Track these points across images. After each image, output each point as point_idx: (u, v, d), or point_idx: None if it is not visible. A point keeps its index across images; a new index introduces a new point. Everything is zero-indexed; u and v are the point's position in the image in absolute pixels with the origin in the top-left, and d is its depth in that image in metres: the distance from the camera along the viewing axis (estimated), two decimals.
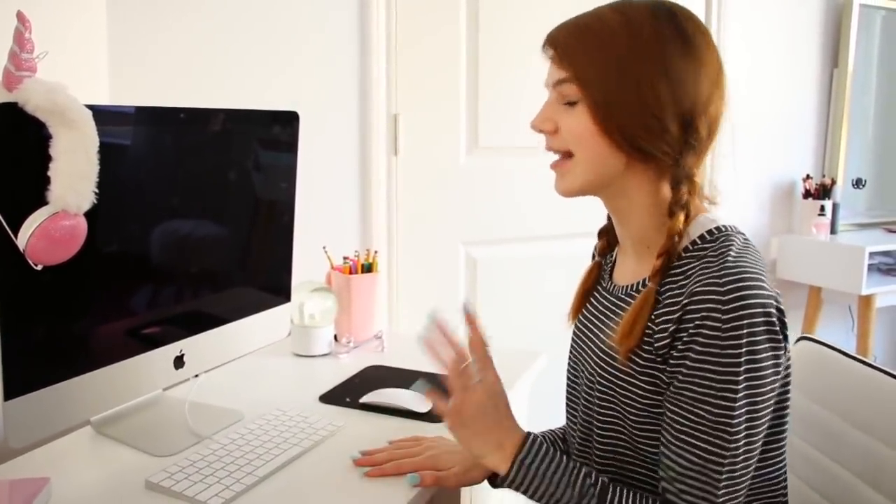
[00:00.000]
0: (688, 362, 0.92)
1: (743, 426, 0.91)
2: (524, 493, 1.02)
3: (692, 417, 0.92)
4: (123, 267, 1.22)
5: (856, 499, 1.19)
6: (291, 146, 1.54)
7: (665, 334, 0.95)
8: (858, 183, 3.42)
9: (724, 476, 0.91)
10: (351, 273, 1.82)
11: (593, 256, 1.26)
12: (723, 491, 0.92)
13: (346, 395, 1.48)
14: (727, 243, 0.96)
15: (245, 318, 1.48)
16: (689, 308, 0.92)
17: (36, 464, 1.20)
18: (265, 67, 1.94)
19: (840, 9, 3.25)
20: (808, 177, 3.22)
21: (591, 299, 1.17)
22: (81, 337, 1.16)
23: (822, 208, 3.16)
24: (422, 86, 2.23)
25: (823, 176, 3.27)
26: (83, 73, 1.60)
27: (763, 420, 0.93)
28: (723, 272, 0.92)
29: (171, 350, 1.31)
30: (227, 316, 1.44)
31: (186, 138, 1.32)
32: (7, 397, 1.04)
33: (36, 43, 0.97)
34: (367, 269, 1.84)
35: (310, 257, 1.79)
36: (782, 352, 0.93)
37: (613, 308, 1.09)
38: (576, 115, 0.99)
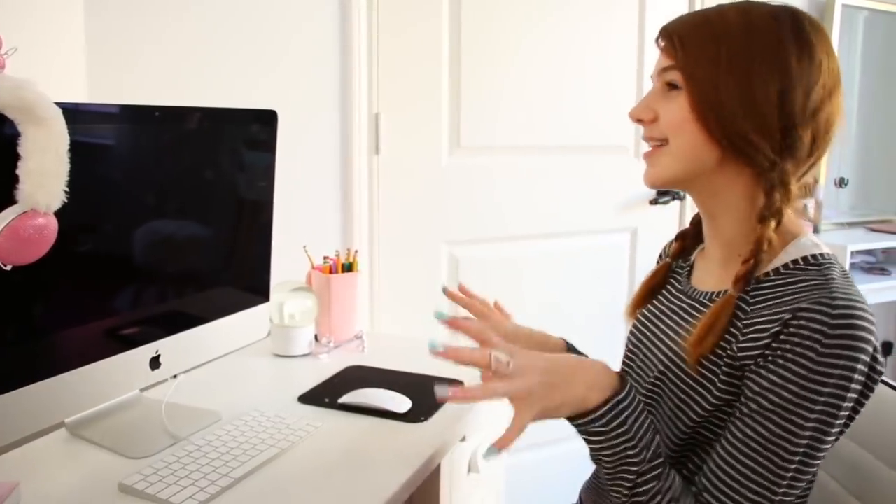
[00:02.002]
0: (772, 376, 0.89)
1: (800, 453, 0.88)
2: (605, 434, 0.93)
3: (755, 427, 0.90)
4: (98, 267, 1.21)
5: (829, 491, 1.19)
6: (270, 145, 1.53)
7: (755, 344, 0.91)
8: (841, 182, 3.44)
9: (762, 496, 0.89)
10: (331, 272, 1.81)
11: (660, 257, 1.28)
12: None
13: (325, 395, 1.47)
14: (832, 270, 0.94)
15: (223, 318, 1.47)
16: (791, 324, 0.89)
17: (6, 467, 1.19)
18: (245, 66, 1.93)
19: (822, 9, 3.26)
20: None
21: (661, 298, 1.16)
22: (54, 338, 1.15)
23: (806, 207, 3.16)
24: (403, 85, 2.22)
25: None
26: (60, 71, 1.59)
27: (820, 455, 0.90)
28: (835, 297, 0.88)
29: (147, 351, 1.30)
30: (205, 316, 1.43)
31: (163, 137, 1.30)
32: None
33: (7, 39, 0.96)
34: (348, 268, 1.83)
35: (290, 257, 1.78)
36: (866, 399, 0.91)
37: (690, 311, 1.07)
38: (676, 102, 0.99)
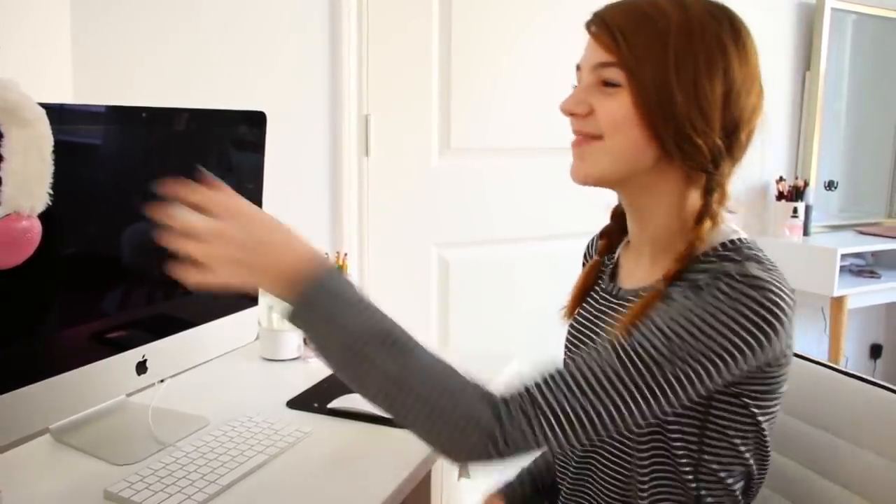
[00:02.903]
0: (662, 304, 0.91)
1: (651, 378, 0.86)
2: (320, 322, 0.89)
3: (617, 340, 0.89)
4: (84, 269, 1.19)
5: (825, 495, 1.19)
6: (259, 147, 1.51)
7: None
8: (831, 185, 3.44)
9: (592, 382, 0.87)
10: None
11: (587, 256, 1.25)
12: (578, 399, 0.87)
13: (314, 400, 1.46)
14: (752, 253, 0.95)
15: (211, 322, 1.45)
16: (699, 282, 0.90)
17: None
18: (234, 67, 1.91)
19: (812, 12, 3.27)
20: (781, 179, 3.23)
21: (590, 300, 1.14)
22: (38, 342, 1.13)
23: (795, 210, 3.17)
24: (393, 86, 2.21)
25: (796, 178, 3.29)
26: (46, 71, 1.57)
27: (686, 384, 0.87)
28: (747, 264, 0.90)
29: (133, 355, 1.28)
30: (192, 319, 1.41)
31: (151, 138, 1.28)
32: None
33: None
34: None
35: None
36: (765, 339, 0.88)
37: (618, 310, 1.06)
38: (615, 99, 0.95)
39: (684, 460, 0.97)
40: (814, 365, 1.25)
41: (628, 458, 1.02)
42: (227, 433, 1.29)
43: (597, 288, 1.14)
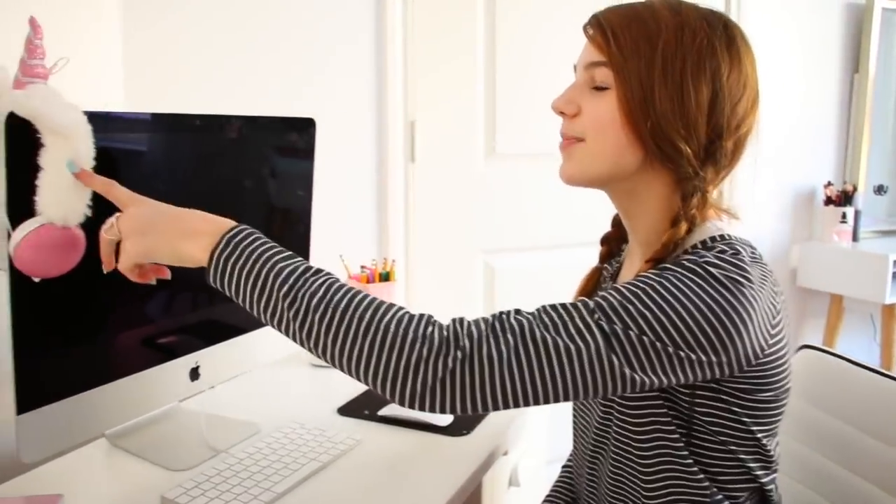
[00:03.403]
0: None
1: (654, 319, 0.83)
2: (235, 277, 0.87)
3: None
4: (123, 286, 1.19)
5: None
6: (308, 153, 1.51)
7: None
8: (880, 189, 3.37)
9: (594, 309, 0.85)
10: (368, 282, 1.79)
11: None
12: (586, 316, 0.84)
13: (364, 407, 1.45)
14: (733, 246, 0.91)
15: (261, 328, 1.45)
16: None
17: (49, 478, 1.18)
18: (282, 74, 1.92)
19: (861, 12, 3.20)
20: (829, 183, 3.17)
21: None
22: (96, 349, 1.14)
23: (844, 215, 3.11)
24: (438, 92, 2.21)
25: (845, 182, 3.22)
26: (97, 80, 1.58)
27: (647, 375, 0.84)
28: (719, 251, 0.89)
29: (187, 361, 1.29)
30: (243, 326, 1.41)
31: (202, 145, 1.29)
32: (19, 411, 1.01)
33: (50, 50, 0.95)
34: (385, 278, 1.81)
35: (326, 266, 1.75)
36: (717, 337, 0.84)
37: None
38: (603, 101, 0.94)
39: (689, 460, 0.96)
40: (869, 372, 1.22)
41: (636, 469, 1.00)
42: (279, 440, 1.29)
43: (599, 290, 1.13)
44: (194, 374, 1.30)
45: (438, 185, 2.23)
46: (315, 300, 0.83)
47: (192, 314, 1.32)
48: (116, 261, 0.94)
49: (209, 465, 1.21)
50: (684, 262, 0.88)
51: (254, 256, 0.86)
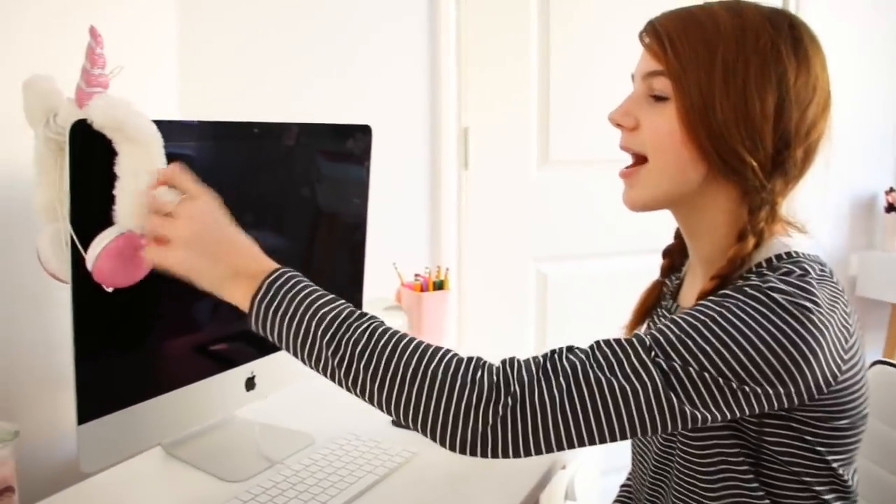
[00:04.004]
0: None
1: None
2: (276, 323, 0.86)
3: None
4: (183, 293, 1.19)
5: None
6: (364, 160, 1.50)
7: None
8: None
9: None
10: (422, 290, 1.77)
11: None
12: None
13: None
14: (801, 265, 0.86)
15: None
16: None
17: (105, 487, 1.18)
18: (335, 81, 1.91)
19: None
20: (891, 190, 3.07)
21: (654, 319, 1.10)
22: (154, 359, 1.14)
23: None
24: (492, 98, 2.19)
25: None
26: (153, 88, 1.59)
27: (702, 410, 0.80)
28: (784, 273, 0.84)
29: (243, 371, 1.28)
30: None
31: (260, 153, 1.28)
32: (81, 421, 1.01)
33: (108, 58, 0.94)
34: (439, 286, 1.79)
35: (379, 273, 1.75)
36: (784, 369, 0.79)
37: None
38: (662, 114, 0.90)
39: (760, 493, 0.90)
40: None
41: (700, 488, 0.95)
42: (335, 451, 1.27)
43: (660, 309, 1.10)
44: (250, 383, 1.30)
45: (491, 191, 2.21)
46: (360, 347, 0.82)
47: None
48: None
49: (264, 476, 1.20)
50: (746, 288, 0.83)
51: (295, 302, 0.85)
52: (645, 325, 1.11)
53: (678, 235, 1.11)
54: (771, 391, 0.80)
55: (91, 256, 0.92)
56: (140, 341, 1.11)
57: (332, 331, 0.83)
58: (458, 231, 2.17)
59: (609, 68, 2.28)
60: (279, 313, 0.85)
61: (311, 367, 0.86)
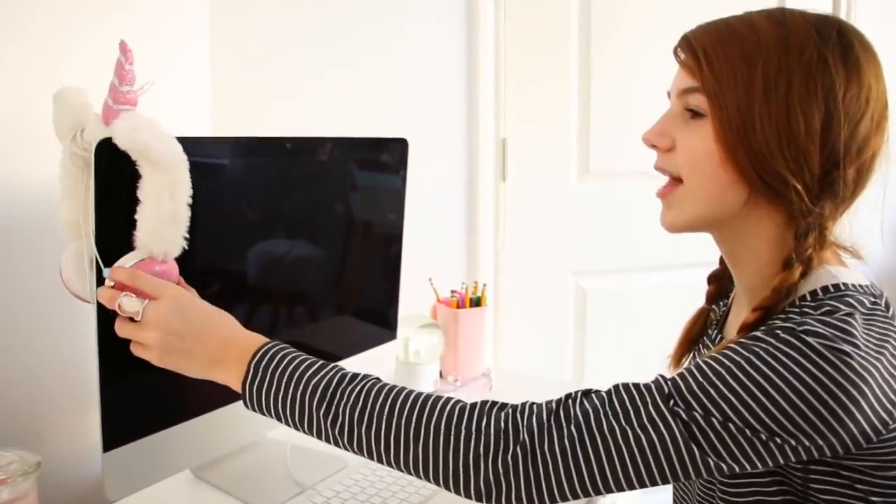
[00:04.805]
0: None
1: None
2: (271, 403, 0.85)
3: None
4: (223, 307, 1.16)
5: None
6: (400, 174, 1.46)
7: None
8: None
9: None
10: (458, 307, 1.72)
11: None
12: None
13: None
14: (846, 301, 0.78)
15: (348, 358, 1.40)
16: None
17: None
18: (370, 92, 1.87)
19: None
20: None
21: (700, 348, 1.03)
22: (181, 384, 1.09)
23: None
24: (531, 109, 2.14)
25: None
26: (185, 104, 1.56)
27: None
28: (824, 311, 0.77)
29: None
30: (331, 352, 1.36)
31: (293, 169, 1.25)
32: (106, 448, 0.98)
33: (138, 73, 0.91)
34: (476, 303, 1.74)
35: (414, 289, 1.71)
36: (823, 421, 0.72)
37: None
38: (698, 133, 0.84)
39: None
40: None
41: None
42: (367, 477, 1.23)
43: (704, 338, 1.03)
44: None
45: (530, 204, 2.16)
46: (357, 412, 0.81)
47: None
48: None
49: (295, 503, 1.16)
50: (778, 331, 0.76)
51: (285, 379, 0.84)
52: (691, 356, 1.05)
53: (724, 260, 1.04)
54: (807, 443, 0.73)
55: (110, 281, 0.89)
56: None
57: (326, 401, 0.82)
58: (496, 245, 2.13)
59: (651, 78, 2.22)
60: (271, 394, 0.85)
61: (315, 438, 0.85)
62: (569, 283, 2.24)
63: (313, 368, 0.85)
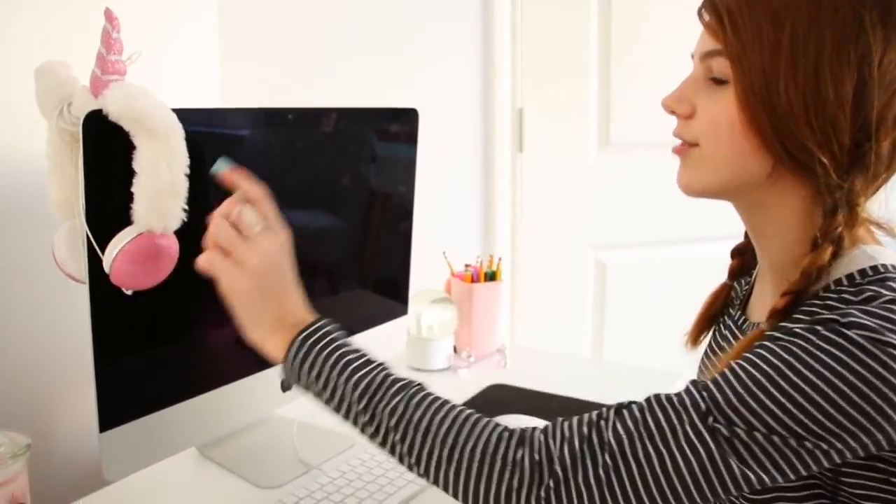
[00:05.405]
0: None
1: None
2: (311, 380, 0.83)
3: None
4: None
5: None
6: (411, 146, 1.42)
7: None
8: None
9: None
10: (473, 281, 1.69)
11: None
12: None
13: None
14: (889, 285, 0.73)
15: (358, 333, 1.37)
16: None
17: (134, 490, 1.12)
18: (382, 60, 1.83)
19: None
20: None
21: (721, 327, 0.98)
22: (180, 362, 1.08)
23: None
24: (549, 77, 2.08)
25: None
26: (194, 77, 1.53)
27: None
28: (866, 307, 0.70)
29: (278, 371, 1.21)
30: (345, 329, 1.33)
31: (298, 141, 1.21)
32: (102, 429, 0.95)
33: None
34: (491, 277, 1.71)
35: (428, 263, 1.67)
36: (873, 422, 0.67)
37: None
38: (720, 99, 0.78)
39: None
40: None
41: None
42: (375, 457, 1.21)
43: (725, 317, 0.98)
44: (286, 383, 1.23)
45: (548, 176, 2.11)
46: (394, 419, 0.78)
47: None
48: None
49: (299, 483, 1.14)
50: (819, 327, 0.70)
51: (330, 363, 0.81)
52: (710, 334, 1.00)
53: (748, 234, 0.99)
54: (853, 443, 0.68)
55: (108, 259, 0.86)
56: (165, 344, 1.05)
57: (367, 398, 0.79)
58: (513, 218, 2.08)
59: (676, 43, 2.14)
60: (313, 373, 0.82)
61: (350, 426, 0.83)
62: (588, 257, 2.20)
63: (361, 360, 0.82)
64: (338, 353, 0.82)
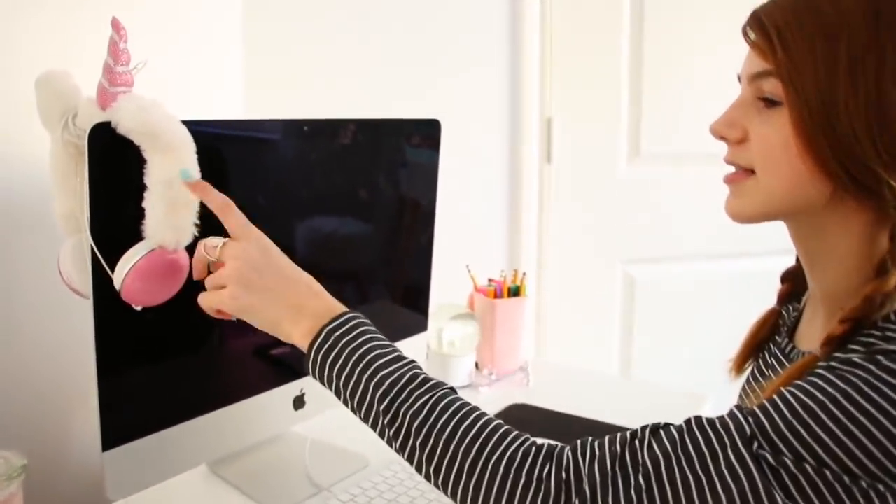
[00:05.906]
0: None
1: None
2: (336, 379, 0.79)
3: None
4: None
5: None
6: (432, 157, 1.38)
7: None
8: None
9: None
10: (496, 296, 1.64)
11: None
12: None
13: None
14: None
15: None
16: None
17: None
18: (407, 69, 1.80)
19: None
20: None
21: (766, 355, 0.93)
22: (188, 379, 1.05)
23: None
24: (579, 86, 2.04)
25: None
26: (218, 82, 1.51)
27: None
28: None
29: (291, 389, 1.19)
30: None
31: (317, 152, 1.18)
32: (105, 447, 0.93)
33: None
34: (515, 292, 1.66)
35: (451, 276, 1.63)
36: None
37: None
38: (773, 122, 0.74)
39: None
40: None
41: None
42: (388, 479, 1.17)
43: (771, 344, 0.93)
44: (299, 402, 1.20)
45: (576, 187, 2.07)
46: (417, 422, 0.74)
47: None
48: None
49: None
50: (880, 356, 0.66)
51: (354, 358, 0.78)
52: (756, 363, 0.95)
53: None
54: None
55: (119, 275, 0.84)
56: (171, 361, 1.02)
57: (390, 397, 0.75)
58: (539, 231, 2.05)
59: (709, 53, 2.10)
60: (336, 367, 0.79)
61: (368, 426, 0.79)
62: (617, 271, 2.15)
63: (388, 358, 0.78)
64: (363, 349, 0.78)
